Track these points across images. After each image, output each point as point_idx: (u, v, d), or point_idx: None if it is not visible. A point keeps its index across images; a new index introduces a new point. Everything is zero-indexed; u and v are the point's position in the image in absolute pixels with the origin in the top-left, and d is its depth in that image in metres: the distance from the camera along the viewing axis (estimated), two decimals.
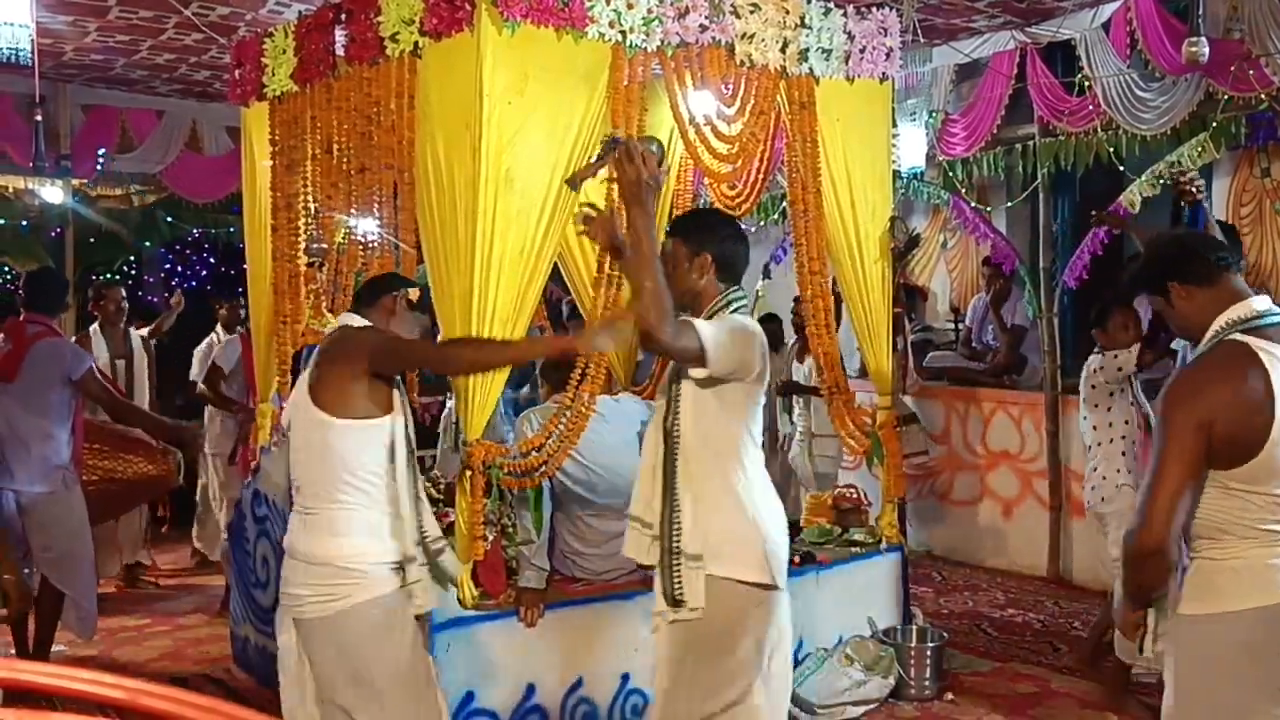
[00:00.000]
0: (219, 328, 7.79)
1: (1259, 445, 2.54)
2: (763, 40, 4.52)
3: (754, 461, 3.17)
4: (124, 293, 7.21)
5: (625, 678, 4.37)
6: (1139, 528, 2.59)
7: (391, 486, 3.25)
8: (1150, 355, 4.93)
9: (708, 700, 3.07)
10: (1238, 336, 2.63)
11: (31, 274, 6.04)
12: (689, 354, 2.99)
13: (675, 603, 3.06)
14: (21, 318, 5.32)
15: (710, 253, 3.21)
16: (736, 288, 3.28)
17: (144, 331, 7.67)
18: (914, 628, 5.26)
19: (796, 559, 4.97)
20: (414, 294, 3.36)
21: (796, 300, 8.00)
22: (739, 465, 3.13)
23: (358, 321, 3.39)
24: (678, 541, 3.07)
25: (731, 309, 3.20)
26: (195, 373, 7.73)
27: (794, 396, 7.29)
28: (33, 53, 5.19)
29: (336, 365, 3.25)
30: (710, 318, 3.14)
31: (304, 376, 3.31)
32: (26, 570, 5.27)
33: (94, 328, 7.03)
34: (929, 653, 5.05)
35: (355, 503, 3.21)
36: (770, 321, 7.74)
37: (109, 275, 10.97)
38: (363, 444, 3.21)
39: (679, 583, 3.05)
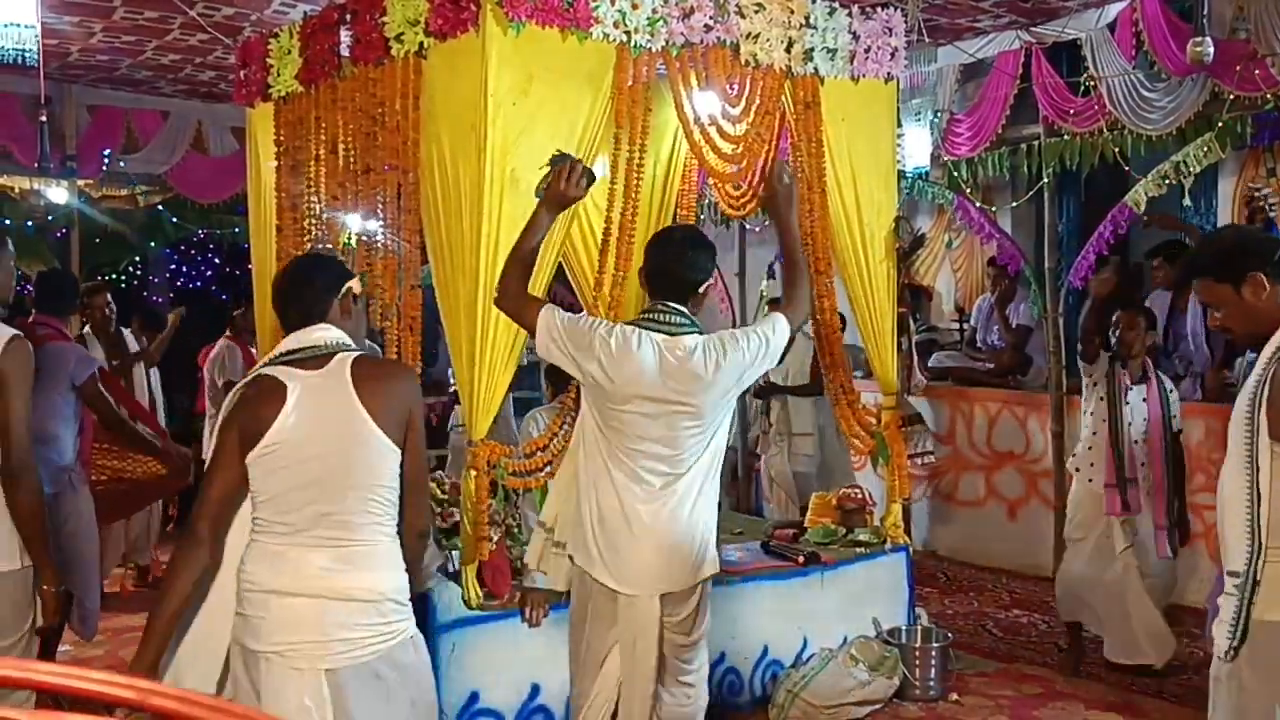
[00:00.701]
0: (229, 331, 7.78)
1: None
2: (767, 40, 4.52)
3: (600, 459, 3.42)
4: (110, 296, 7.14)
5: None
6: None
7: None
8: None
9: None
10: None
11: (42, 274, 6.07)
12: (527, 328, 3.53)
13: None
14: (31, 319, 5.34)
15: (644, 269, 3.53)
16: (666, 304, 3.42)
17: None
18: (919, 628, 5.26)
19: (800, 559, 4.98)
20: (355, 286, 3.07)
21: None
22: (585, 458, 3.48)
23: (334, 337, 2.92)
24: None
25: (643, 321, 3.42)
26: (212, 381, 7.69)
27: (772, 398, 7.30)
28: (38, 53, 5.20)
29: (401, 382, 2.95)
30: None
31: (342, 384, 2.78)
32: None
33: (86, 330, 7.00)
34: (934, 653, 5.04)
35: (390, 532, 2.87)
36: None
37: (113, 276, 10.99)
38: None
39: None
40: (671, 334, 3.35)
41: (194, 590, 2.80)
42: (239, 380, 7.02)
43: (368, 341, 6.04)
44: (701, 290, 3.47)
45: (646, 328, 3.36)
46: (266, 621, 2.73)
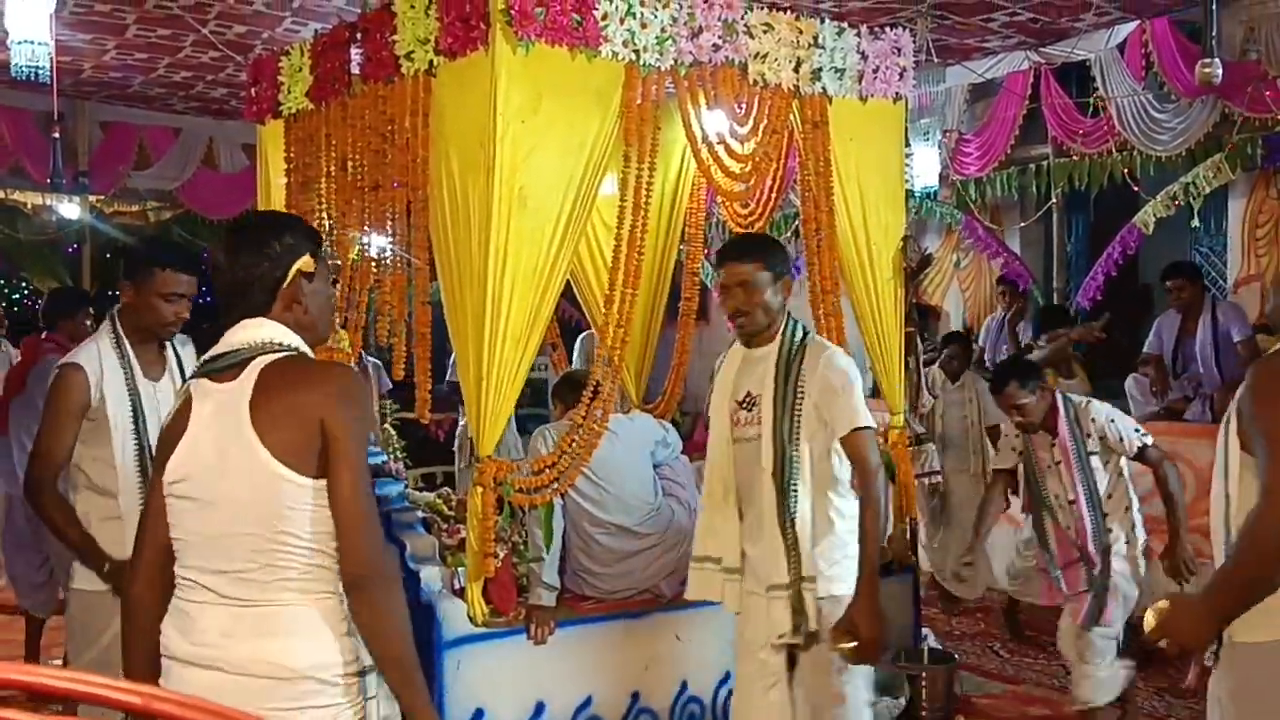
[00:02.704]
0: None
1: None
2: (776, 60, 4.53)
3: None
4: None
5: (635, 696, 4.36)
6: (1268, 529, 2.40)
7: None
8: None
9: None
10: None
11: (51, 292, 6.15)
12: None
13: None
14: (44, 335, 5.47)
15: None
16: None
17: None
18: (925, 649, 5.23)
19: None
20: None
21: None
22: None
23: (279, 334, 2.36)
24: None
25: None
26: None
27: None
28: (52, 70, 5.24)
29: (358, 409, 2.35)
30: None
31: (238, 402, 2.24)
32: (49, 578, 5.33)
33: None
34: (940, 674, 5.02)
35: (316, 589, 2.26)
36: None
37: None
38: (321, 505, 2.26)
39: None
40: None
41: (155, 646, 2.29)
42: None
43: (370, 358, 6.08)
44: None
45: None
46: None
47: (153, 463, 2.69)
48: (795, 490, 3.50)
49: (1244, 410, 2.54)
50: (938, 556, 7.11)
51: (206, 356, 2.32)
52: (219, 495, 2.20)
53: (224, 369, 2.26)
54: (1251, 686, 2.50)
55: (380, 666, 2.22)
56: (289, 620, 2.19)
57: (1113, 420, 4.65)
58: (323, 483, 2.18)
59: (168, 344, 3.51)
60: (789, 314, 3.65)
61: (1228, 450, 2.61)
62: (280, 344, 2.28)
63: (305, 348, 2.35)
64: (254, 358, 2.24)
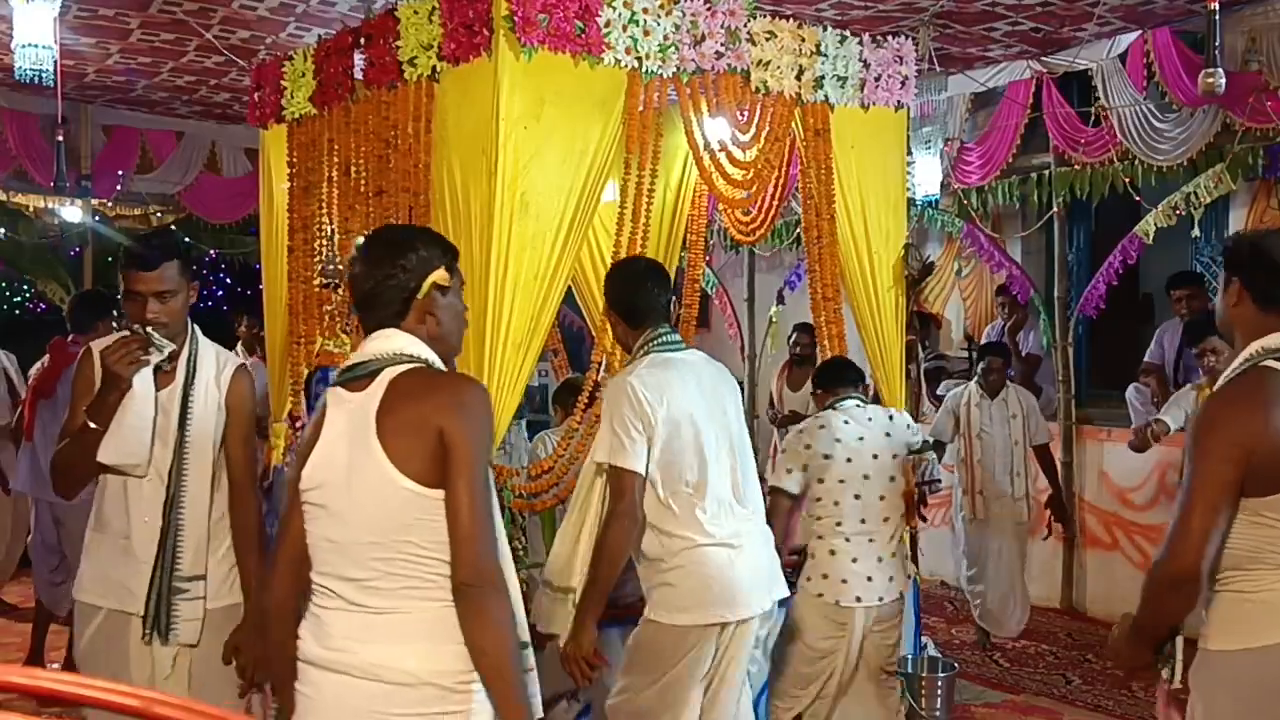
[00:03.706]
0: (239, 347, 7.82)
1: None
2: (778, 67, 4.54)
3: None
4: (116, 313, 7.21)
5: None
6: (1168, 555, 2.50)
7: None
8: None
9: None
10: (1271, 364, 2.55)
11: (76, 295, 6.32)
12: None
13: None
14: (71, 338, 5.57)
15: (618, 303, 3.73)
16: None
17: None
18: (925, 657, 5.22)
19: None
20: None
21: (796, 328, 8.03)
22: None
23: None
24: None
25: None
26: None
27: (786, 426, 7.28)
28: (56, 74, 5.25)
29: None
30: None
31: (365, 412, 2.29)
32: (63, 581, 5.37)
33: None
34: (940, 683, 5.01)
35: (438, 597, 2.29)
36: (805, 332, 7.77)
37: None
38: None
39: None
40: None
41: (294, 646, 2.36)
42: (260, 395, 7.07)
43: None
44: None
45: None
46: (306, 698, 2.29)
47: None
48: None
49: (1188, 439, 2.62)
50: (976, 588, 6.60)
51: (344, 365, 2.38)
52: (346, 504, 2.25)
53: (357, 378, 2.31)
54: (1223, 693, 2.56)
55: (481, 674, 2.24)
56: (412, 627, 2.23)
57: None
58: (442, 493, 2.22)
59: (186, 346, 3.28)
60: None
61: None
62: (410, 355, 2.32)
63: (436, 360, 2.37)
64: (385, 368, 2.29)
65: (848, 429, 4.32)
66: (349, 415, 2.29)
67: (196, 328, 3.31)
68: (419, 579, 2.23)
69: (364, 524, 2.23)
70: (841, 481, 4.26)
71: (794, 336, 8.07)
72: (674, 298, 3.81)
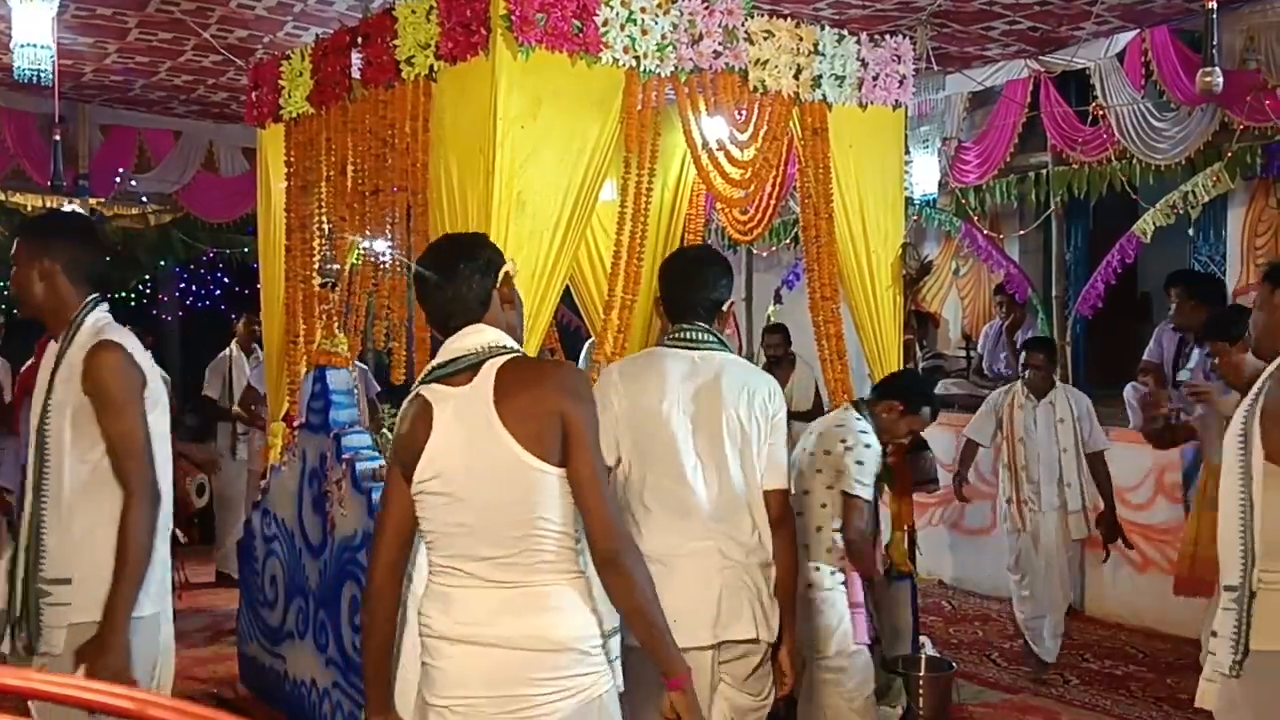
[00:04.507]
0: (234, 344, 7.82)
1: None
2: (776, 66, 4.54)
3: None
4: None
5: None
6: None
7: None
8: None
9: None
10: None
11: None
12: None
13: None
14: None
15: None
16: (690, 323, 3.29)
17: None
18: (923, 657, 5.23)
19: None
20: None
21: (765, 330, 8.00)
22: None
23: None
24: None
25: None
26: (209, 388, 7.78)
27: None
28: (54, 73, 5.24)
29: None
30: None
31: (483, 401, 2.40)
32: None
33: None
34: (938, 682, 5.01)
35: (569, 568, 2.45)
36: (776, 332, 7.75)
37: (123, 294, 11.03)
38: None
39: None
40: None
41: (391, 634, 2.51)
42: (263, 391, 7.06)
43: (358, 364, 6.08)
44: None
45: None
46: (442, 672, 2.40)
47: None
48: None
49: (1269, 422, 2.63)
50: (1026, 608, 6.02)
51: (435, 364, 2.48)
52: (475, 489, 2.37)
53: (456, 373, 2.42)
54: (1266, 692, 2.57)
55: (638, 633, 2.46)
56: (553, 598, 2.38)
57: None
58: (564, 471, 2.37)
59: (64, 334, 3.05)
60: None
61: (1249, 458, 2.68)
62: (504, 346, 2.46)
63: (520, 348, 2.53)
64: (484, 361, 2.41)
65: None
66: (459, 407, 2.39)
67: (93, 315, 3.00)
68: (552, 552, 2.38)
69: (497, 506, 2.36)
70: None
71: (764, 338, 7.99)
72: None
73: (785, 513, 3.22)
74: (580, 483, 2.37)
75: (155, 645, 2.99)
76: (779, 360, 7.58)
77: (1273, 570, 2.59)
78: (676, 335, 3.26)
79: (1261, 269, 3.11)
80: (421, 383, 2.49)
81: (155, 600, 2.96)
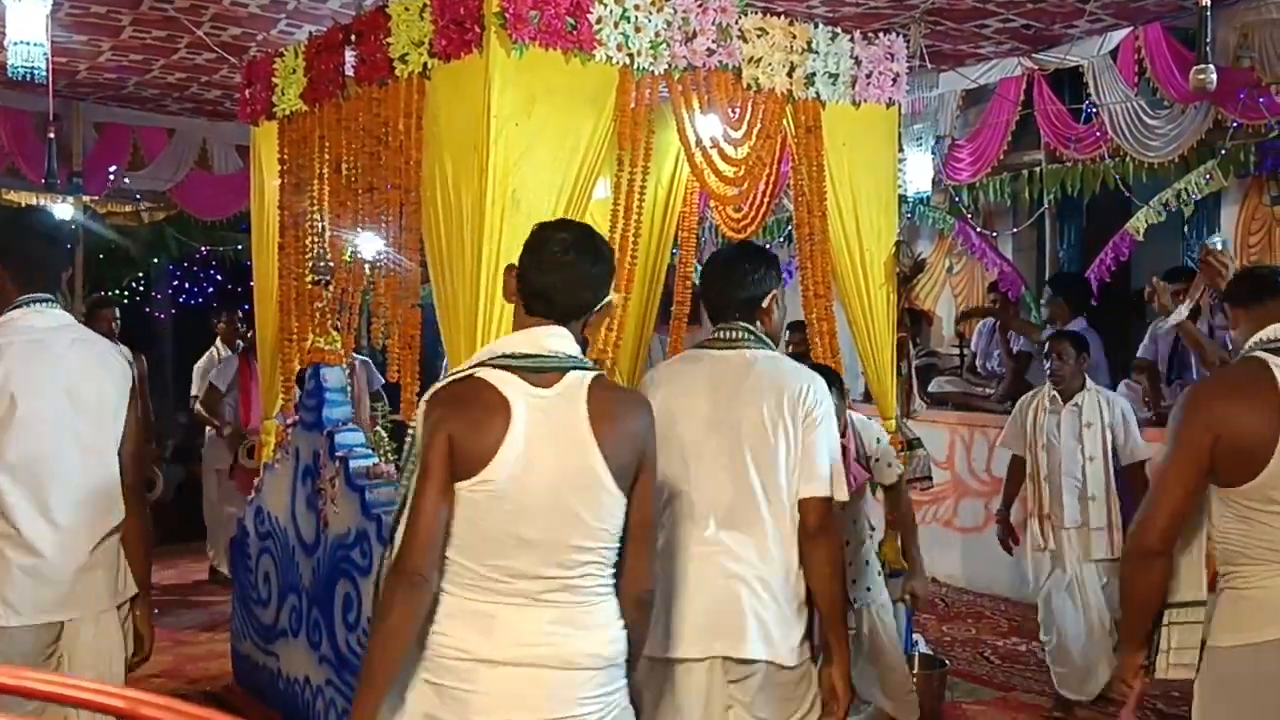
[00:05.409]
0: (219, 342, 7.83)
1: (1264, 461, 2.52)
2: (769, 64, 4.54)
3: None
4: (117, 311, 7.20)
5: None
6: (1136, 530, 2.67)
7: None
8: None
9: None
10: (1259, 354, 2.65)
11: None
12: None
13: None
14: None
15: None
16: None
17: None
18: (916, 655, 5.24)
19: None
20: None
21: (789, 327, 7.99)
22: None
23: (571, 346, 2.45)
24: None
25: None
26: (196, 389, 7.79)
27: None
28: (48, 71, 5.24)
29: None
30: None
31: (576, 411, 2.34)
32: None
33: None
34: (931, 680, 5.02)
35: (608, 587, 2.44)
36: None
37: (117, 292, 11.03)
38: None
39: None
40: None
41: (416, 635, 2.33)
42: (224, 388, 7.04)
43: (358, 356, 6.10)
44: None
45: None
46: (475, 696, 2.26)
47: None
48: None
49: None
50: (1048, 641, 5.31)
51: (512, 353, 2.36)
52: (550, 504, 2.29)
53: (535, 370, 2.34)
54: (1224, 686, 2.63)
55: (635, 659, 2.51)
56: (602, 615, 2.37)
57: None
58: (625, 499, 2.37)
59: None
60: None
61: None
62: (584, 362, 2.41)
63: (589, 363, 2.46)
64: (569, 370, 2.36)
65: None
66: (547, 414, 2.30)
67: (9, 314, 3.03)
68: (602, 573, 2.37)
69: (567, 524, 2.30)
70: None
71: (788, 335, 8.02)
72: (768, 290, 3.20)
73: (823, 522, 2.94)
74: (641, 521, 2.41)
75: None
76: (802, 358, 7.56)
77: (1225, 576, 2.68)
78: (713, 336, 3.16)
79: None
80: (494, 366, 2.33)
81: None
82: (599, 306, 2.48)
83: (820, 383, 3.08)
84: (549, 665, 2.28)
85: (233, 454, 7.01)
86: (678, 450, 2.97)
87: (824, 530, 2.94)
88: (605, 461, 2.30)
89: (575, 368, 2.36)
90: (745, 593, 2.91)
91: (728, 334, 3.13)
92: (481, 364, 2.36)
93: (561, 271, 2.41)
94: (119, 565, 3.13)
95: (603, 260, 2.49)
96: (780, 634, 2.92)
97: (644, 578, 2.44)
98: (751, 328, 3.12)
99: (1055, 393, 5.28)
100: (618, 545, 2.39)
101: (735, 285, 3.14)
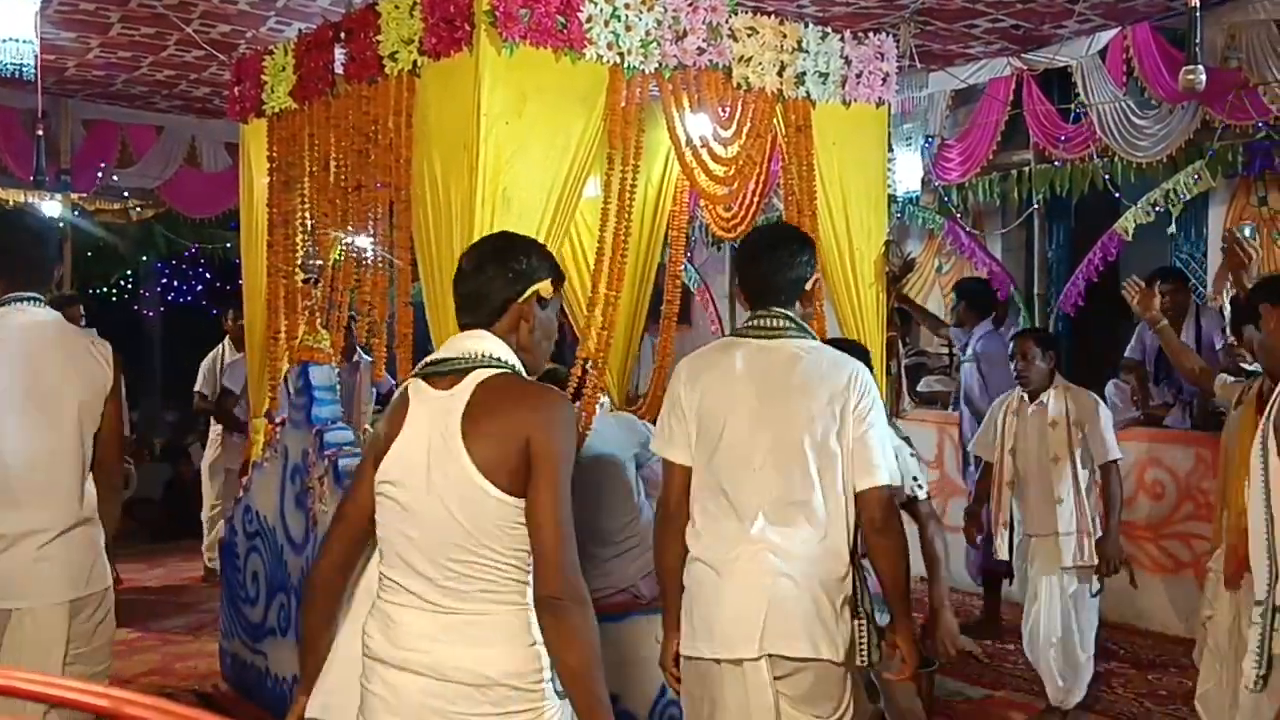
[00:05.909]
0: (227, 341, 7.78)
1: None
2: (760, 64, 4.54)
3: None
4: (82, 308, 7.15)
5: (614, 699, 4.35)
6: None
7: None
8: None
9: None
10: None
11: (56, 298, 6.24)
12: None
13: None
14: None
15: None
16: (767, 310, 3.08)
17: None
18: None
19: None
20: None
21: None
22: None
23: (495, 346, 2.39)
24: None
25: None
26: (200, 385, 7.74)
27: None
28: (36, 68, 5.22)
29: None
30: None
31: (452, 412, 2.29)
32: None
33: None
34: (918, 680, 5.01)
35: (511, 600, 2.31)
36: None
37: (105, 289, 11.01)
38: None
39: None
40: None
41: (327, 623, 2.40)
42: (238, 390, 7.02)
43: (364, 355, 6.07)
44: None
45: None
46: (369, 695, 2.28)
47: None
48: None
49: None
50: (1025, 641, 5.17)
51: (429, 359, 2.38)
52: (425, 504, 2.25)
53: (443, 374, 2.33)
54: None
55: (564, 683, 2.24)
56: (487, 629, 2.24)
57: None
58: (523, 501, 2.23)
59: None
60: None
61: (1269, 472, 2.65)
62: (499, 359, 2.33)
63: (521, 367, 2.39)
64: (472, 369, 2.30)
65: None
66: (432, 413, 2.29)
67: None
68: (495, 583, 2.25)
69: (443, 525, 2.23)
70: None
71: None
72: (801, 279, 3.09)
73: (886, 513, 2.90)
74: (534, 517, 2.22)
75: None
76: None
77: None
78: (751, 323, 3.04)
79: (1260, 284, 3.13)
80: (413, 375, 2.41)
81: None
82: (521, 300, 2.41)
83: (866, 372, 3.01)
84: (420, 672, 2.22)
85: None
86: (723, 446, 2.92)
87: (889, 521, 2.91)
88: (471, 458, 2.21)
89: (483, 367, 2.30)
90: (801, 591, 2.87)
91: (769, 321, 3.02)
92: (415, 372, 2.42)
93: (464, 283, 2.43)
94: (85, 561, 3.13)
95: (504, 263, 2.43)
96: (829, 632, 2.89)
97: (547, 580, 2.20)
98: (792, 315, 3.02)
99: (1024, 394, 5.13)
100: (515, 559, 2.25)
101: (779, 268, 3.03)
